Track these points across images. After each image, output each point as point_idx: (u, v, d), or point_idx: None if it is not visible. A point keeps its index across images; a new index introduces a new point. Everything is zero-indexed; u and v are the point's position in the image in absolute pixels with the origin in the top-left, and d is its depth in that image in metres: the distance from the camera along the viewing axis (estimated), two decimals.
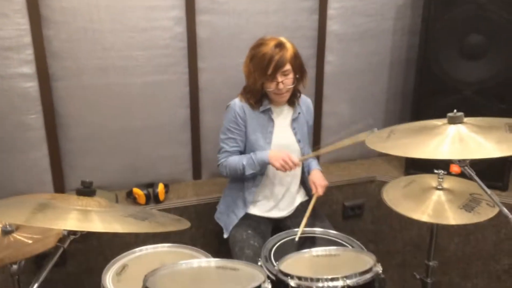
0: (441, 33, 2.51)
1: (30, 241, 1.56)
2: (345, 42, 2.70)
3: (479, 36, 2.45)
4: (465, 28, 2.46)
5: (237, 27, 2.49)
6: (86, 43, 2.29)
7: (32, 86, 2.25)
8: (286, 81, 2.01)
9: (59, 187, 2.46)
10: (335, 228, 2.07)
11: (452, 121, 1.34)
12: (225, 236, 2.19)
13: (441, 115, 2.71)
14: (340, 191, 2.73)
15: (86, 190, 1.23)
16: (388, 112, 2.94)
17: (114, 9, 2.29)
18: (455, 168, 2.13)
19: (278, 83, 2.00)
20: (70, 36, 2.26)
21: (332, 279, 1.41)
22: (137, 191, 2.41)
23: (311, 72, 2.70)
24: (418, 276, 1.99)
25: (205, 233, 2.53)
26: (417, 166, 2.66)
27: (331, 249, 1.60)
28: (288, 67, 1.99)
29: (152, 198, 2.43)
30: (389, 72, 2.85)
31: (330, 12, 2.62)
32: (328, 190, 2.22)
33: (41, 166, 2.38)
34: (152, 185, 2.52)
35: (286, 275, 1.49)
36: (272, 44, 1.98)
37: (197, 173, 2.70)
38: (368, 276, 1.45)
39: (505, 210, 1.28)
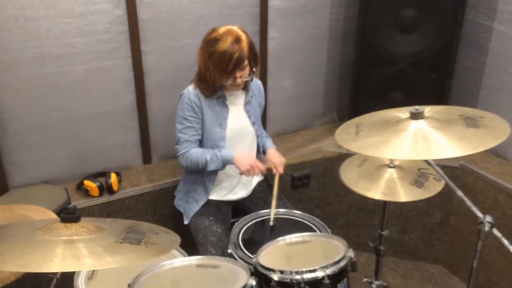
0: (377, 6, 2.61)
1: None
2: (286, 18, 2.71)
3: (412, 10, 2.58)
4: (400, 2, 2.58)
5: (179, 7, 2.41)
6: (19, 32, 2.12)
7: None
8: (243, 75, 2.03)
9: (2, 185, 2.33)
10: (286, 198, 2.20)
11: (414, 117, 1.43)
12: (186, 222, 2.22)
13: (379, 87, 2.84)
14: (289, 164, 2.82)
15: (71, 217, 1.18)
16: (328, 83, 3.05)
17: None
18: None
19: (236, 78, 2.01)
20: (0, 26, 2.08)
21: (311, 271, 1.51)
22: (88, 183, 2.35)
23: None
24: (372, 244, 2.17)
25: (161, 218, 2.54)
26: None
27: (304, 235, 1.69)
28: (246, 62, 2.00)
29: (106, 189, 2.38)
30: (328, 45, 2.93)
31: None
32: None
33: None
34: (102, 174, 2.46)
35: (268, 269, 1.56)
36: (229, 40, 1.95)
37: (147, 158, 2.66)
38: (342, 263, 1.57)
39: (451, 183, 1.41)
